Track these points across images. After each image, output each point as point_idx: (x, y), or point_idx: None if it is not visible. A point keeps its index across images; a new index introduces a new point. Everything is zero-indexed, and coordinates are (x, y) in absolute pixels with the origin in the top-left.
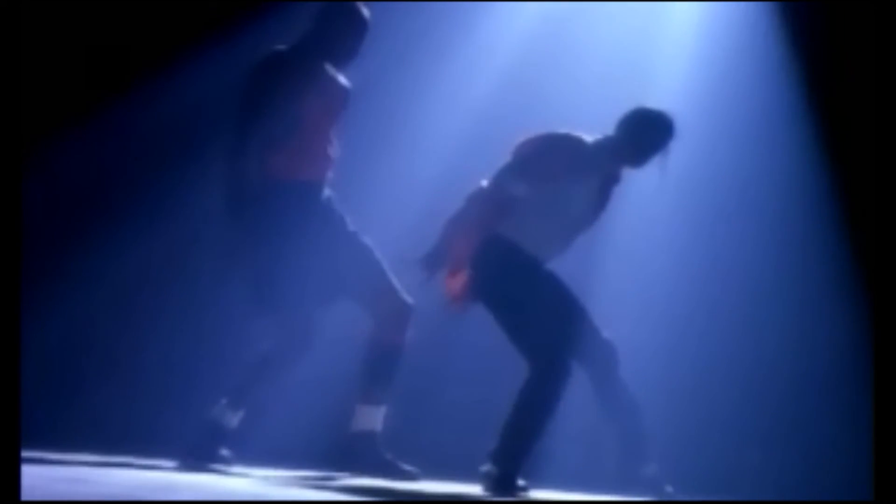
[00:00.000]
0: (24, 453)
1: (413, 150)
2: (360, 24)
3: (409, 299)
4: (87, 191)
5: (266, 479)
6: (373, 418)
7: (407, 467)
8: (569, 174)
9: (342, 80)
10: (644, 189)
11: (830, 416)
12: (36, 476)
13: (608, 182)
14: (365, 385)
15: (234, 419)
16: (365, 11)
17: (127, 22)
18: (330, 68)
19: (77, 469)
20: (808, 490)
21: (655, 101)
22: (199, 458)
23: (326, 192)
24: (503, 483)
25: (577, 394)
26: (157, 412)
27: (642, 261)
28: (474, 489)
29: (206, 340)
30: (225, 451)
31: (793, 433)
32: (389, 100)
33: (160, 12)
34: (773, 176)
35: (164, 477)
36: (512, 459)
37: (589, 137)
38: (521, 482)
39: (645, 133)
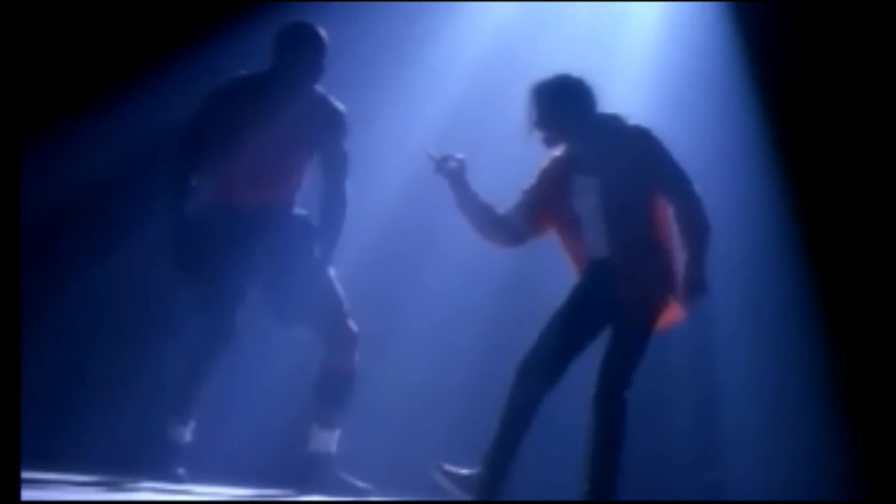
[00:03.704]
0: None
1: (376, 158)
2: (317, 45)
3: (354, 327)
4: (59, 210)
5: (219, 496)
6: (328, 441)
7: (361, 484)
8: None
9: (314, 105)
10: None
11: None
12: None
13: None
14: (320, 411)
15: (185, 433)
16: (321, 31)
17: (96, 37)
18: (293, 95)
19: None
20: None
21: (615, 104)
22: (153, 476)
23: (282, 216)
24: None
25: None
26: (112, 429)
27: None
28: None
29: (156, 356)
30: (181, 470)
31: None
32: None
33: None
34: (732, 180)
35: (116, 497)
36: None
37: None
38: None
39: None
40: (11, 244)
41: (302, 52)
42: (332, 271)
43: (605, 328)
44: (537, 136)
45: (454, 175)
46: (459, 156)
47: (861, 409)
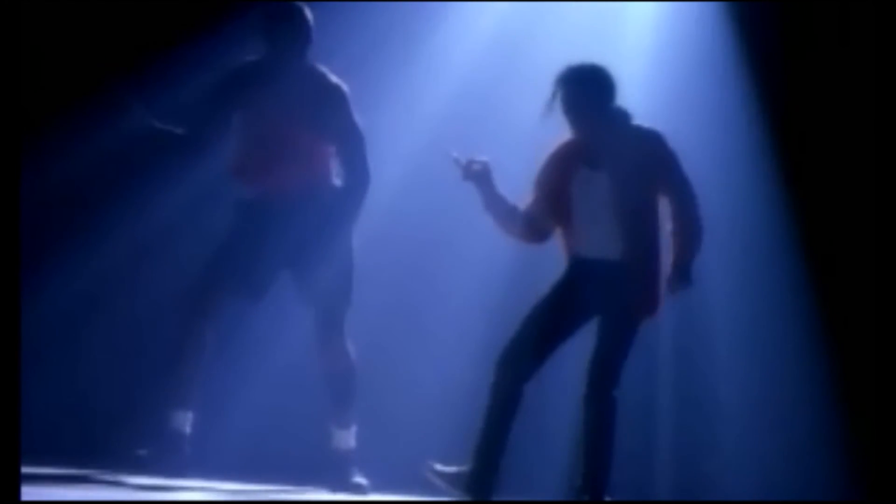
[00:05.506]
0: None
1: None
2: (293, 19)
3: (346, 337)
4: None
5: (217, 491)
6: (346, 438)
7: (357, 480)
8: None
9: (308, 82)
10: None
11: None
12: None
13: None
14: (332, 413)
15: (185, 424)
16: (300, 6)
17: (88, 32)
18: (284, 75)
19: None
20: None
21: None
22: (154, 470)
23: (305, 199)
24: None
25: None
26: (111, 425)
27: None
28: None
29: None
30: (180, 463)
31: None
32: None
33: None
34: (728, 179)
35: (118, 495)
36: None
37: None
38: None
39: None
40: (11, 244)
41: (282, 30)
42: (352, 246)
43: (586, 324)
44: (558, 120)
45: (480, 178)
46: (483, 158)
47: (858, 404)
